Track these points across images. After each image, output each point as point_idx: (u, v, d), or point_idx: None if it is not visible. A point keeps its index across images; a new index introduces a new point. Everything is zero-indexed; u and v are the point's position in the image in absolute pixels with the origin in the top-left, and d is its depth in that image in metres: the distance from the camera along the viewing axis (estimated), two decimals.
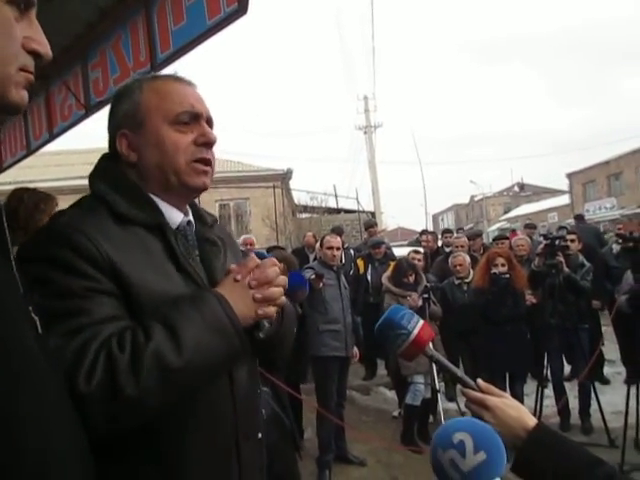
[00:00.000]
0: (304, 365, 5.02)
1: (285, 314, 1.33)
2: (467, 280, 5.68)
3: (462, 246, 6.76)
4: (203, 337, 1.05)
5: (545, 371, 5.19)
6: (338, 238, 5.07)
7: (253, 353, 1.28)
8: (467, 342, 5.56)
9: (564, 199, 39.64)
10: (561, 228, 8.20)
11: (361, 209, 18.42)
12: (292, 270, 4.24)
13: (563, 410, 5.23)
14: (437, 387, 4.78)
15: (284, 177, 20.78)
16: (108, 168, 1.24)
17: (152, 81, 1.24)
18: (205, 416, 1.14)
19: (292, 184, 21.76)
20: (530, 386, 5.51)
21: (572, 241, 5.85)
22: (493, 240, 8.39)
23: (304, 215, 20.16)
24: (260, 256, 1.45)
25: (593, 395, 4.99)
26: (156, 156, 1.18)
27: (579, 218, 12.64)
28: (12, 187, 3.08)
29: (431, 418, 5.27)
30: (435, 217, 59.99)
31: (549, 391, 5.36)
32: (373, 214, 19.68)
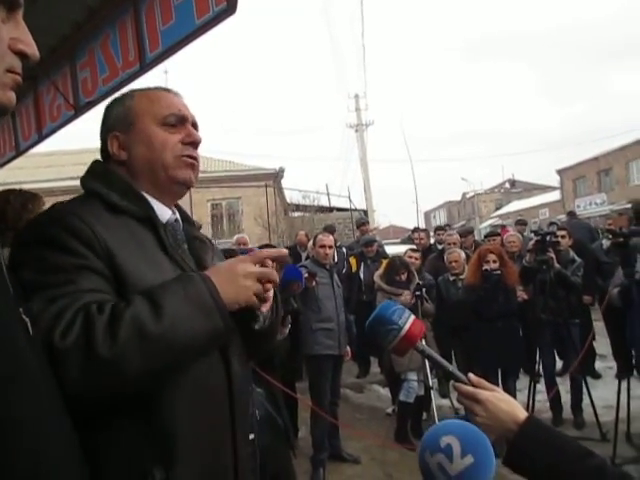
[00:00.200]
0: (299, 363, 5.03)
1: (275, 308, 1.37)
2: (462, 276, 5.69)
3: (454, 243, 6.78)
4: (183, 309, 1.05)
5: (537, 366, 5.23)
6: (331, 237, 5.07)
7: (247, 346, 1.32)
8: (460, 338, 5.59)
9: (555, 195, 39.83)
10: (552, 224, 8.24)
11: (353, 207, 18.43)
12: (280, 266, 4.24)
13: (555, 404, 5.28)
14: (430, 384, 4.79)
15: (276, 176, 20.77)
16: (99, 169, 1.30)
17: (143, 91, 1.34)
18: (201, 402, 1.15)
19: (284, 183, 21.78)
20: (522, 381, 5.55)
21: (563, 237, 5.89)
22: (485, 237, 8.43)
23: (296, 214, 20.16)
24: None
25: (585, 390, 5.03)
26: (145, 153, 1.25)
27: (571, 214, 12.72)
28: (1, 188, 3.06)
29: (424, 415, 5.29)
30: (427, 214, 60.13)
31: (541, 386, 5.39)
32: (365, 212, 19.72)
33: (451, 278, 5.77)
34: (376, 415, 5.98)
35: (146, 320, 1.01)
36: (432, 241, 8.67)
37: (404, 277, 5.38)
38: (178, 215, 1.35)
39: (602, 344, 6.79)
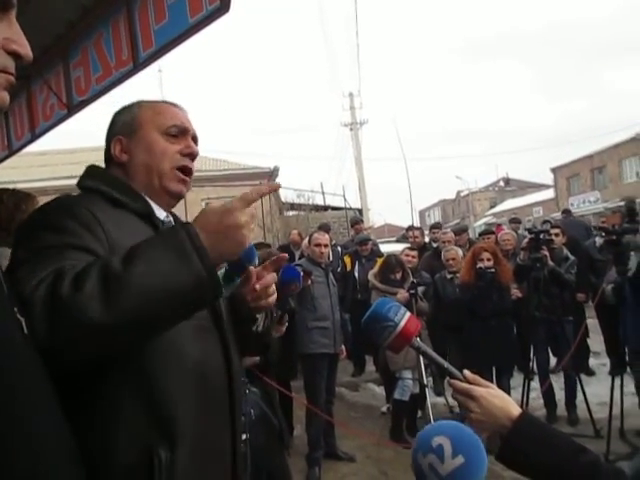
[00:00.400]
0: (294, 362, 5.03)
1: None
2: (459, 274, 5.70)
3: (449, 241, 6.80)
4: (155, 253, 0.98)
5: (531, 364, 5.25)
6: (326, 235, 5.07)
7: (241, 346, 1.36)
8: (454, 336, 5.60)
9: (549, 193, 39.97)
10: (545, 222, 8.27)
11: (348, 206, 18.43)
12: (278, 268, 4.24)
13: (549, 401, 5.30)
14: (425, 382, 4.80)
15: (271, 175, 20.73)
16: (96, 171, 1.35)
17: (150, 102, 1.41)
18: (201, 385, 1.17)
19: (279, 182, 21.73)
20: (517, 379, 5.57)
21: (556, 235, 5.91)
22: (479, 235, 8.45)
23: (291, 213, 20.13)
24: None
25: (579, 387, 5.06)
26: (145, 158, 1.31)
27: (567, 212, 12.76)
28: None
29: (419, 413, 5.30)
30: (422, 213, 60.18)
31: (535, 384, 5.42)
32: (360, 211, 19.71)
33: (448, 276, 5.77)
34: (371, 413, 5.99)
35: (115, 266, 0.96)
36: (427, 239, 8.70)
37: (399, 276, 5.39)
38: (172, 219, 1.38)
39: (596, 341, 6.83)
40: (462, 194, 51.46)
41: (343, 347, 4.94)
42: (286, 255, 1.40)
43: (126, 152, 1.33)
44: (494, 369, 5.00)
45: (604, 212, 14.14)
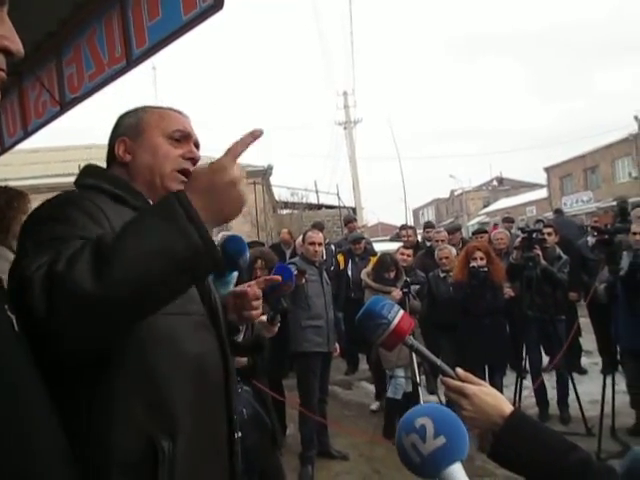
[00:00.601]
0: (286, 361, 5.03)
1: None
2: (452, 273, 5.71)
3: (442, 240, 6.81)
4: (145, 222, 0.98)
5: (524, 362, 5.28)
6: (320, 234, 5.07)
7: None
8: (447, 335, 5.62)
9: (542, 193, 40.11)
10: (538, 222, 8.30)
11: (342, 205, 18.44)
12: (271, 266, 4.24)
13: (541, 400, 5.33)
14: (418, 380, 4.81)
15: (264, 173, 20.68)
16: (95, 169, 1.38)
17: (156, 107, 1.45)
18: (200, 379, 1.19)
19: (273, 180, 21.66)
20: (509, 378, 5.60)
21: (549, 234, 5.94)
22: (472, 234, 8.47)
23: (285, 211, 20.12)
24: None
25: (571, 385, 5.09)
26: (148, 159, 1.34)
27: (559, 212, 12.81)
28: None
29: None
30: (416, 212, 60.27)
31: (528, 382, 5.44)
32: (354, 210, 19.72)
33: (441, 275, 5.78)
34: (364, 412, 6.00)
35: (107, 240, 0.95)
36: (419, 238, 8.72)
37: (393, 274, 5.40)
38: None
39: (588, 340, 6.87)
40: (456, 193, 51.58)
41: (337, 345, 4.94)
42: (279, 278, 1.48)
43: (129, 153, 1.36)
44: (487, 367, 5.02)
45: (597, 212, 14.22)
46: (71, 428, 0.93)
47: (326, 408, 4.89)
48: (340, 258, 7.62)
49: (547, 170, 38.29)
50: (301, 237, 5.62)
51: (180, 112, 1.46)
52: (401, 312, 1.20)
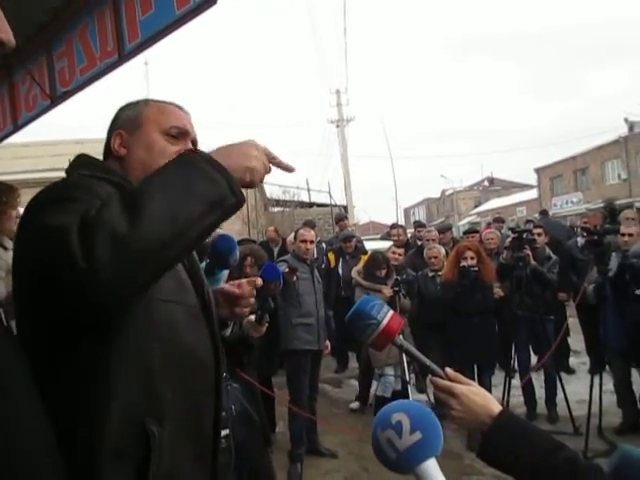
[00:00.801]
0: (276, 358, 5.03)
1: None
2: (441, 272, 5.72)
3: (433, 239, 6.84)
4: (168, 170, 1.04)
5: (512, 362, 5.31)
6: (312, 232, 5.06)
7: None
8: (438, 334, 5.64)
9: (532, 193, 40.32)
10: (528, 222, 8.35)
11: (333, 203, 18.45)
12: (261, 263, 4.24)
13: (529, 399, 5.37)
14: (407, 379, 4.83)
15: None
16: (90, 160, 1.34)
17: (156, 101, 1.43)
18: (191, 368, 1.20)
19: (264, 178, 21.62)
20: (498, 377, 5.63)
21: (539, 235, 5.97)
22: (463, 233, 8.51)
23: (276, 209, 20.10)
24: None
25: (559, 385, 5.12)
26: (144, 155, 1.32)
27: (544, 213, 12.88)
28: None
29: None
30: (407, 211, 60.44)
31: (516, 381, 5.48)
32: (345, 208, 19.73)
33: (430, 274, 5.79)
34: (354, 410, 6.00)
35: (133, 188, 1.01)
36: (409, 236, 8.74)
37: (384, 272, 5.41)
38: None
39: (576, 340, 6.92)
40: (447, 193, 51.76)
41: (328, 343, 4.94)
42: (260, 282, 1.48)
43: (125, 147, 1.34)
44: (476, 367, 5.04)
45: (586, 213, 14.32)
46: (66, 412, 0.95)
47: (316, 406, 4.90)
48: (331, 256, 7.62)
49: (537, 171, 38.49)
50: (293, 235, 5.62)
51: (181, 107, 1.44)
52: (390, 312, 1.20)
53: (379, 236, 13.67)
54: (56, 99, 3.89)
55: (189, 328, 1.21)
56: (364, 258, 6.44)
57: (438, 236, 7.12)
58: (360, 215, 32.49)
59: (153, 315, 1.11)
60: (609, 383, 4.96)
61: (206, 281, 1.41)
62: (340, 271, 7.35)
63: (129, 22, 3.20)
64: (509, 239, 5.60)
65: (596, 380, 4.51)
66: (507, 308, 5.29)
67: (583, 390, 5.03)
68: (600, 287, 4.66)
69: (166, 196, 0.97)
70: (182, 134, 1.37)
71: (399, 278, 5.28)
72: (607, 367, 5.23)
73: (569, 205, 32.88)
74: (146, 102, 1.41)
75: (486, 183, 54.74)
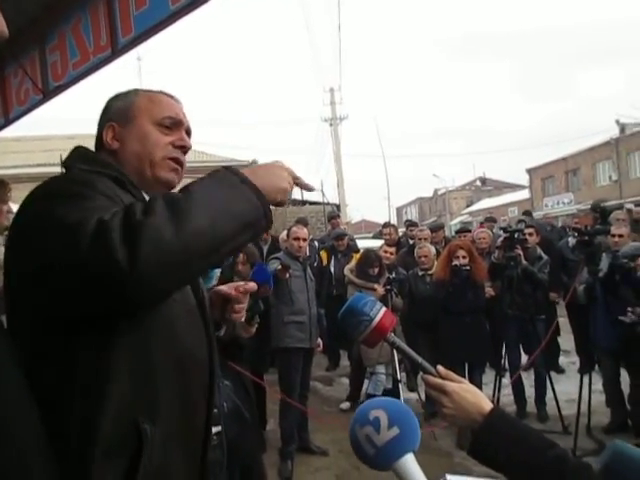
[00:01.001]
0: (267, 355, 5.02)
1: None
2: (430, 272, 5.74)
3: (425, 238, 6.85)
4: (208, 184, 1.06)
5: (503, 361, 5.33)
6: (305, 229, 5.05)
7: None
8: (428, 333, 5.66)
9: (524, 194, 40.51)
10: (520, 222, 8.38)
11: (326, 201, 18.42)
12: (252, 261, 4.23)
13: (519, 398, 5.39)
14: (398, 377, 4.85)
15: (249, 168, 20.59)
16: (90, 154, 1.32)
17: (147, 91, 1.40)
18: (186, 368, 1.19)
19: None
20: (488, 375, 5.66)
21: (530, 234, 6.00)
22: (455, 232, 8.54)
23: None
24: None
25: (548, 384, 5.15)
26: (137, 147, 1.30)
27: (527, 214, 12.90)
28: None
29: None
30: (399, 210, 60.52)
31: (507, 380, 5.51)
32: (338, 206, 19.72)
33: (420, 273, 5.80)
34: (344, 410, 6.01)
35: (177, 195, 1.02)
36: (400, 235, 8.76)
37: (376, 271, 5.42)
38: None
39: (566, 340, 6.96)
40: (439, 192, 51.88)
41: (320, 340, 4.94)
42: (255, 286, 1.47)
43: (118, 140, 1.31)
44: (467, 365, 5.07)
45: (577, 214, 14.40)
46: (58, 411, 0.95)
47: (307, 403, 4.90)
48: (323, 254, 7.62)
49: (529, 171, 38.68)
50: (285, 232, 5.61)
51: (172, 97, 1.41)
52: (383, 309, 1.20)
53: (371, 235, 13.69)
54: (48, 93, 3.87)
55: (187, 326, 1.21)
56: (356, 256, 6.45)
57: (430, 235, 7.14)
58: (353, 214, 32.56)
59: (154, 313, 1.10)
60: (598, 383, 5.00)
61: (201, 281, 1.41)
62: (332, 269, 7.35)
63: (123, 17, 3.18)
64: (501, 239, 5.62)
65: (585, 380, 4.54)
66: (498, 307, 5.31)
67: (572, 389, 5.06)
68: (590, 287, 4.69)
69: (209, 213, 1.00)
70: (176, 124, 1.35)
71: (391, 277, 5.29)
72: (596, 367, 5.27)
73: (560, 206, 33.05)
74: (136, 92, 1.38)
75: (478, 183, 54.91)
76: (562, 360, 6.96)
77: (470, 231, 7.82)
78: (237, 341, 1.63)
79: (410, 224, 9.08)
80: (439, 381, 1.18)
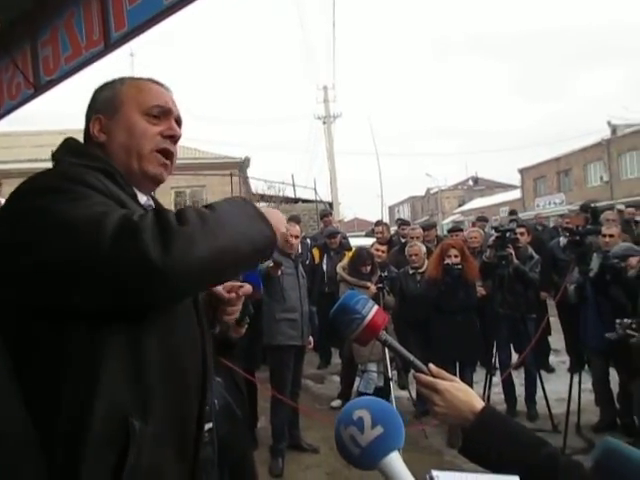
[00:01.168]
0: (258, 354, 5.01)
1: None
2: (421, 270, 5.75)
3: (417, 237, 6.86)
4: (231, 208, 1.12)
5: (494, 360, 5.36)
6: (297, 227, 5.05)
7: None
8: (419, 331, 5.67)
9: (516, 194, 40.69)
10: (511, 221, 8.42)
11: (319, 199, 18.43)
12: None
13: (509, 397, 5.42)
14: (390, 376, 4.85)
15: (241, 165, 20.59)
16: (80, 147, 1.29)
17: (134, 79, 1.35)
18: (180, 366, 1.18)
19: (250, 172, 21.59)
20: (479, 374, 5.67)
21: (522, 234, 6.03)
22: (448, 232, 8.56)
23: (261, 204, 20.02)
24: None
25: (539, 383, 5.19)
26: (124, 138, 1.26)
27: (513, 213, 12.96)
28: None
29: None
30: (392, 208, 60.63)
31: (497, 379, 5.53)
32: (331, 204, 19.73)
33: (410, 271, 5.81)
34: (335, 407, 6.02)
35: (206, 210, 1.08)
36: (392, 233, 8.77)
37: (369, 269, 5.43)
38: (152, 203, 1.35)
39: (556, 339, 7.01)
40: (432, 191, 52.02)
41: (311, 338, 4.94)
42: (250, 288, 1.48)
43: (105, 132, 1.27)
44: (458, 364, 5.08)
45: (568, 214, 14.49)
46: (47, 409, 0.94)
47: (298, 401, 4.90)
48: (315, 252, 7.63)
49: (521, 172, 38.85)
50: None
51: (161, 84, 1.36)
52: (375, 307, 1.20)
53: (364, 233, 13.71)
54: (40, 88, 3.83)
55: (182, 324, 1.20)
56: (349, 254, 6.46)
57: (422, 234, 7.15)
58: (345, 212, 32.57)
59: (152, 313, 1.10)
60: (588, 382, 5.03)
61: None
62: (324, 267, 7.36)
63: (116, 11, 3.15)
64: (492, 238, 5.65)
65: (575, 379, 4.57)
66: (489, 306, 5.33)
67: (562, 388, 5.09)
68: (581, 287, 4.72)
69: (234, 236, 1.07)
70: (164, 113, 1.30)
71: (383, 275, 5.30)
72: (586, 366, 5.30)
73: (552, 206, 33.21)
74: (122, 81, 1.33)
75: (470, 182, 55.11)
76: (552, 359, 7.01)
77: (462, 230, 7.84)
78: (227, 341, 1.63)
79: (402, 223, 9.09)
80: (431, 379, 1.18)
